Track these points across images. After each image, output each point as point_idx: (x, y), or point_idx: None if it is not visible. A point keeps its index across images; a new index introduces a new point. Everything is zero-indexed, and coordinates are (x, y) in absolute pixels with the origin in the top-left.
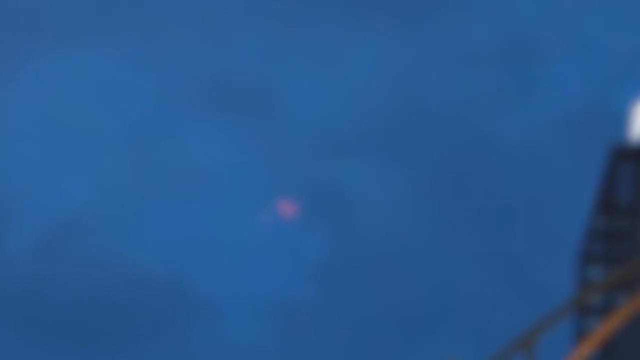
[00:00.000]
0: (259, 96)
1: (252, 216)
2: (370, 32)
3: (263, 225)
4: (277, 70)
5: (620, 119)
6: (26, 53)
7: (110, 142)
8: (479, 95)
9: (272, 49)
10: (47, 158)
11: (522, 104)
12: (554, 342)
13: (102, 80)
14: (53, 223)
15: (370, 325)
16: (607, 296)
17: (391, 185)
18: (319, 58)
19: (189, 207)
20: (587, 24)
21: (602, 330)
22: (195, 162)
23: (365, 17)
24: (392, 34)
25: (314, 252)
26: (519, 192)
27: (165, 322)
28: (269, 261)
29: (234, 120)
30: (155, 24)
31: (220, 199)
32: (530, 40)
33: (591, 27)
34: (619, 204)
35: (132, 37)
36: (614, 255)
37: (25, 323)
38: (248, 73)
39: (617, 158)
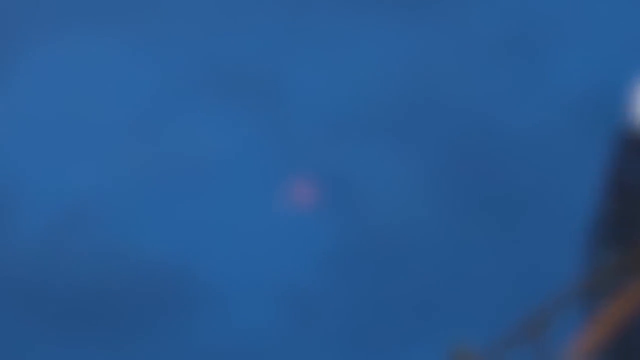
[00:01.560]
0: (266, 81)
1: (259, 203)
2: (379, 18)
3: (271, 212)
4: (284, 55)
5: (631, 103)
6: (28, 40)
7: (116, 129)
8: (490, 82)
9: (280, 34)
10: (52, 145)
11: (532, 90)
12: (564, 326)
13: (106, 66)
14: (59, 211)
15: (380, 311)
16: (618, 280)
17: (402, 172)
18: (327, 43)
19: (196, 194)
20: (596, 7)
21: (614, 314)
22: (201, 149)
23: (375, 2)
24: (402, 20)
25: (323, 238)
26: (530, 177)
27: (173, 309)
28: (278, 247)
29: (240, 107)
30: (158, 9)
31: (227, 185)
32: (539, 26)
33: (601, 10)
34: (629, 187)
35: (136, 22)
36: (625, 238)
37: (33, 312)
38: (255, 58)
39: (627, 141)
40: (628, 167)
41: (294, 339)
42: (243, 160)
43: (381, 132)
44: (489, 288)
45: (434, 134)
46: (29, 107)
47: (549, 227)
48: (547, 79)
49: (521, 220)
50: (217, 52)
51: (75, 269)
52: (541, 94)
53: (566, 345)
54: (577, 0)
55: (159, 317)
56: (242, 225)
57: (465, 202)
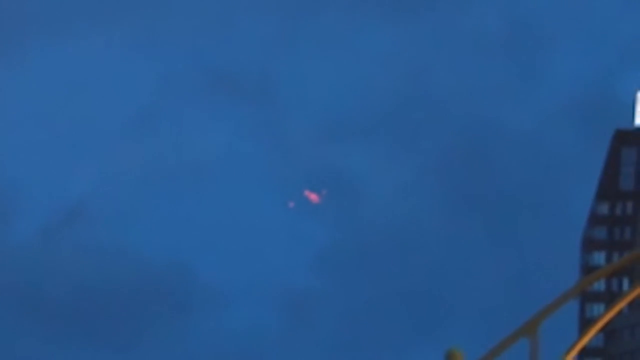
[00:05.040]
0: (261, 83)
1: (256, 203)
2: (375, 19)
3: (268, 212)
4: (280, 57)
5: (625, 105)
6: (30, 42)
7: (114, 129)
8: (485, 81)
9: (275, 37)
10: (53, 145)
11: (527, 91)
12: (557, 327)
13: (106, 68)
14: (58, 210)
15: (375, 311)
16: (610, 282)
17: (397, 172)
18: (323, 45)
19: (193, 194)
20: (592, 11)
21: (607, 315)
22: (198, 150)
23: (371, 4)
24: (399, 21)
25: (318, 238)
26: (525, 178)
27: (170, 308)
28: (274, 248)
29: (237, 108)
30: (157, 12)
31: (224, 185)
32: (535, 28)
33: (596, 13)
34: (622, 189)
35: (135, 25)
36: (617, 240)
37: (31, 308)
38: (251, 60)
39: (621, 143)
40: (621, 169)
41: (292, 338)
42: (240, 161)
43: (379, 132)
44: (486, 286)
45: (430, 134)
46: (27, 107)
47: (544, 227)
48: (545, 80)
49: (516, 220)
50: (214, 54)
51: (72, 268)
52: (539, 95)
53: (561, 345)
54: (574, 5)
55: (158, 313)
56: (239, 226)
57: (460, 203)
